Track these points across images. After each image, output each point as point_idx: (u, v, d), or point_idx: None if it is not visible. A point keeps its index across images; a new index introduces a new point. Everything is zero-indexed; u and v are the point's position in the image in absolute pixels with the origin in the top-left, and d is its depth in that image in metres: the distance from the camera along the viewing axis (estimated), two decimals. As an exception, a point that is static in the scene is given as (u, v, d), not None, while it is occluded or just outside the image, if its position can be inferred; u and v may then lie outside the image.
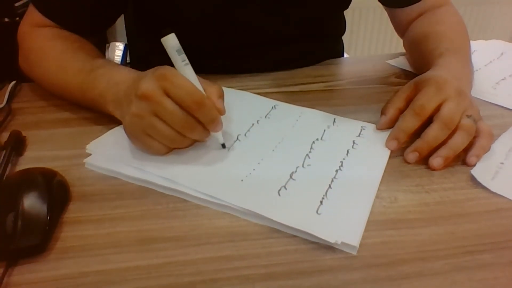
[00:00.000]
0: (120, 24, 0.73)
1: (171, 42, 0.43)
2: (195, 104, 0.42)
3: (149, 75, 0.44)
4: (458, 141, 0.47)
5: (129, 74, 0.49)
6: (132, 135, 0.46)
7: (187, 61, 0.44)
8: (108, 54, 1.27)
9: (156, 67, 0.44)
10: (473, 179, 0.46)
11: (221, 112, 0.46)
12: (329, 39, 0.82)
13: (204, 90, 0.45)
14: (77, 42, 0.59)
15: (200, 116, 0.43)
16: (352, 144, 0.50)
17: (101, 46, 1.03)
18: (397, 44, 0.76)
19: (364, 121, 0.55)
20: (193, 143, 0.48)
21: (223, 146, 0.48)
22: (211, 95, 0.45)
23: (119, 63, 1.20)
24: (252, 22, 0.66)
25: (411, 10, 0.70)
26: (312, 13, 0.69)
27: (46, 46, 0.59)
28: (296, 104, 0.59)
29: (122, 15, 0.80)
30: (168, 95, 0.42)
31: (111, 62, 0.55)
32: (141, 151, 0.47)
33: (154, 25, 0.72)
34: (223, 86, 0.63)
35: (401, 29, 0.73)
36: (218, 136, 0.48)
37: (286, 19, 0.68)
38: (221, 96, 0.47)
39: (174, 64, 0.44)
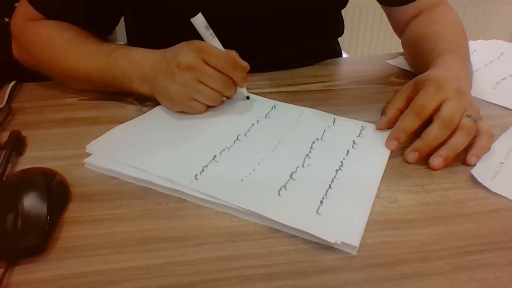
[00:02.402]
0: (120, 24, 0.73)
1: (200, 20, 0.53)
2: (232, 66, 0.53)
3: (185, 49, 0.52)
4: (458, 141, 0.47)
5: (147, 53, 0.56)
6: (178, 101, 0.53)
7: (213, 34, 0.54)
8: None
9: (187, 42, 0.53)
10: (473, 179, 0.46)
11: (247, 68, 0.55)
12: (328, 39, 0.82)
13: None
14: (83, 31, 0.61)
15: (235, 75, 0.53)
16: (352, 144, 0.50)
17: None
18: (397, 44, 0.75)
19: (364, 121, 0.55)
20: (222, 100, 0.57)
21: (248, 98, 0.59)
22: (236, 57, 0.54)
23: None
24: (251, 21, 0.66)
25: (408, 9, 0.70)
26: (310, 12, 0.69)
27: (53, 35, 0.60)
28: (296, 104, 0.59)
29: (123, 18, 0.80)
30: (207, 63, 0.51)
31: (123, 44, 0.61)
32: (182, 112, 0.55)
33: (154, 25, 0.72)
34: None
35: (399, 28, 0.73)
36: (243, 91, 0.59)
37: (285, 18, 0.68)
38: (238, 55, 0.56)
39: (204, 38, 0.54)
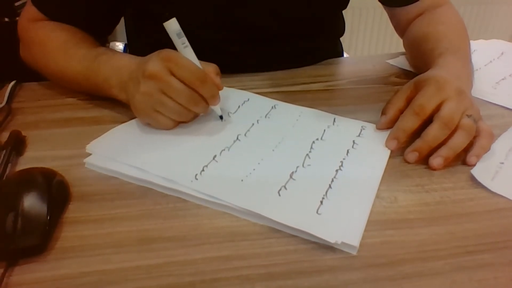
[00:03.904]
0: (120, 24, 0.73)
1: (172, 26, 0.48)
2: (199, 81, 0.48)
3: (154, 57, 0.48)
4: (458, 141, 0.47)
5: (131, 59, 0.53)
6: (142, 112, 0.50)
7: (187, 43, 0.49)
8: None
9: (159, 50, 0.49)
10: (473, 179, 0.46)
11: (220, 87, 0.52)
12: (329, 39, 0.82)
13: (203, 69, 0.49)
14: (80, 33, 0.62)
15: (203, 91, 0.49)
16: (352, 144, 0.50)
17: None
18: (397, 44, 0.75)
19: (364, 121, 0.55)
20: (195, 116, 0.53)
21: (221, 118, 0.54)
22: (209, 73, 0.50)
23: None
24: (252, 21, 0.66)
25: (411, 10, 0.70)
26: (311, 12, 0.69)
27: (49, 36, 0.61)
28: (296, 104, 0.59)
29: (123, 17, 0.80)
30: (173, 74, 0.47)
31: (112, 49, 0.59)
32: (149, 126, 0.52)
33: (153, 25, 0.72)
34: (223, 86, 0.63)
35: (401, 28, 0.73)
36: (216, 109, 0.53)
37: (286, 18, 0.68)
38: (218, 73, 0.53)
39: (176, 47, 0.49)
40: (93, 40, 0.62)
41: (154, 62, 0.48)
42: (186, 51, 0.49)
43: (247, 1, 0.64)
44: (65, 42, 0.60)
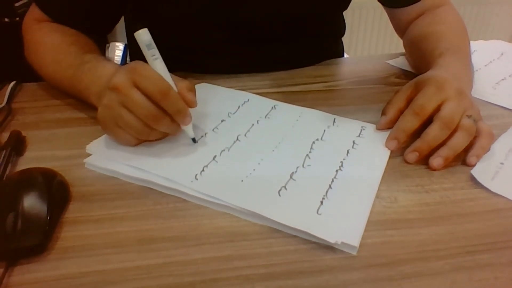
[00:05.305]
0: (120, 24, 0.73)
1: (142, 37, 0.45)
2: (160, 93, 0.43)
3: (122, 69, 0.45)
4: (458, 141, 0.47)
5: (110, 69, 0.51)
6: (104, 125, 0.47)
7: (157, 55, 0.46)
8: (108, 54, 1.27)
9: (130, 62, 0.46)
10: (473, 179, 0.46)
11: (191, 104, 0.46)
12: (329, 40, 0.82)
13: (175, 84, 0.46)
14: (73, 36, 0.61)
15: (166, 106, 0.44)
16: (352, 144, 0.50)
17: (101, 46, 1.03)
18: (397, 44, 0.75)
19: (364, 121, 0.55)
20: (163, 136, 0.48)
21: (194, 140, 0.49)
22: (181, 89, 0.46)
23: (119, 63, 1.20)
24: (252, 21, 0.66)
25: (411, 10, 0.70)
26: (312, 12, 0.69)
27: (44, 39, 0.61)
28: (296, 104, 0.59)
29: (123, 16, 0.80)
30: (137, 87, 0.44)
31: (99, 57, 0.56)
32: (114, 142, 0.48)
33: (154, 25, 0.72)
34: (223, 86, 0.63)
35: (401, 29, 0.73)
36: (187, 130, 0.48)
37: (286, 18, 0.68)
38: (192, 90, 0.48)
39: (146, 59, 0.46)
40: (86, 42, 0.61)
41: (119, 74, 0.45)
42: (156, 63, 0.45)
43: (248, 1, 0.64)
44: (58, 45, 0.59)
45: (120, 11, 0.70)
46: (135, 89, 0.43)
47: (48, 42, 0.60)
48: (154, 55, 0.45)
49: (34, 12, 0.63)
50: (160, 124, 0.45)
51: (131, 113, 0.44)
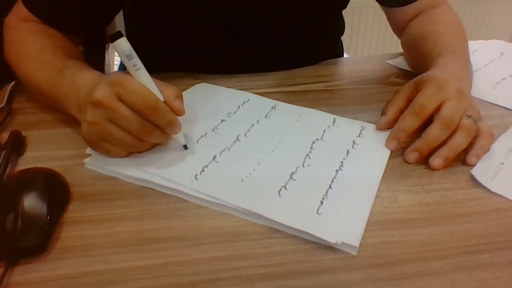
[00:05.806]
0: (120, 23, 0.73)
1: (121, 47, 0.42)
2: (149, 108, 0.42)
3: (103, 81, 0.43)
4: (458, 141, 0.47)
5: (90, 79, 0.48)
6: (90, 143, 0.46)
7: (138, 65, 0.43)
8: (108, 54, 1.27)
9: (111, 73, 0.43)
10: (473, 179, 0.46)
11: (179, 112, 0.45)
12: (329, 39, 0.82)
13: (161, 92, 0.44)
14: (61, 42, 0.59)
15: (156, 120, 0.43)
16: (352, 144, 0.50)
17: (101, 46, 1.03)
18: (397, 44, 0.75)
19: (364, 121, 0.55)
20: (154, 146, 0.48)
21: (185, 147, 0.48)
22: (168, 97, 0.45)
23: (119, 63, 1.20)
24: (252, 22, 0.66)
25: (408, 10, 0.70)
26: (311, 12, 0.69)
27: (27, 39, 0.59)
28: (296, 104, 0.59)
29: (122, 15, 0.80)
30: (121, 100, 0.42)
31: (81, 63, 0.54)
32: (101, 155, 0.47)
33: (154, 25, 0.72)
34: (223, 86, 0.63)
35: (398, 28, 0.73)
36: (178, 138, 0.47)
37: (286, 18, 0.68)
38: (178, 96, 0.46)
39: (128, 69, 0.43)
40: (70, 48, 0.59)
41: (101, 87, 0.42)
42: (138, 73, 0.43)
43: (247, 2, 0.64)
44: (40, 48, 0.57)
45: (113, 11, 0.69)
46: (121, 104, 0.42)
47: (32, 43, 0.58)
48: (135, 65, 0.43)
49: (19, 10, 0.60)
50: (151, 136, 0.44)
51: (119, 128, 0.43)
